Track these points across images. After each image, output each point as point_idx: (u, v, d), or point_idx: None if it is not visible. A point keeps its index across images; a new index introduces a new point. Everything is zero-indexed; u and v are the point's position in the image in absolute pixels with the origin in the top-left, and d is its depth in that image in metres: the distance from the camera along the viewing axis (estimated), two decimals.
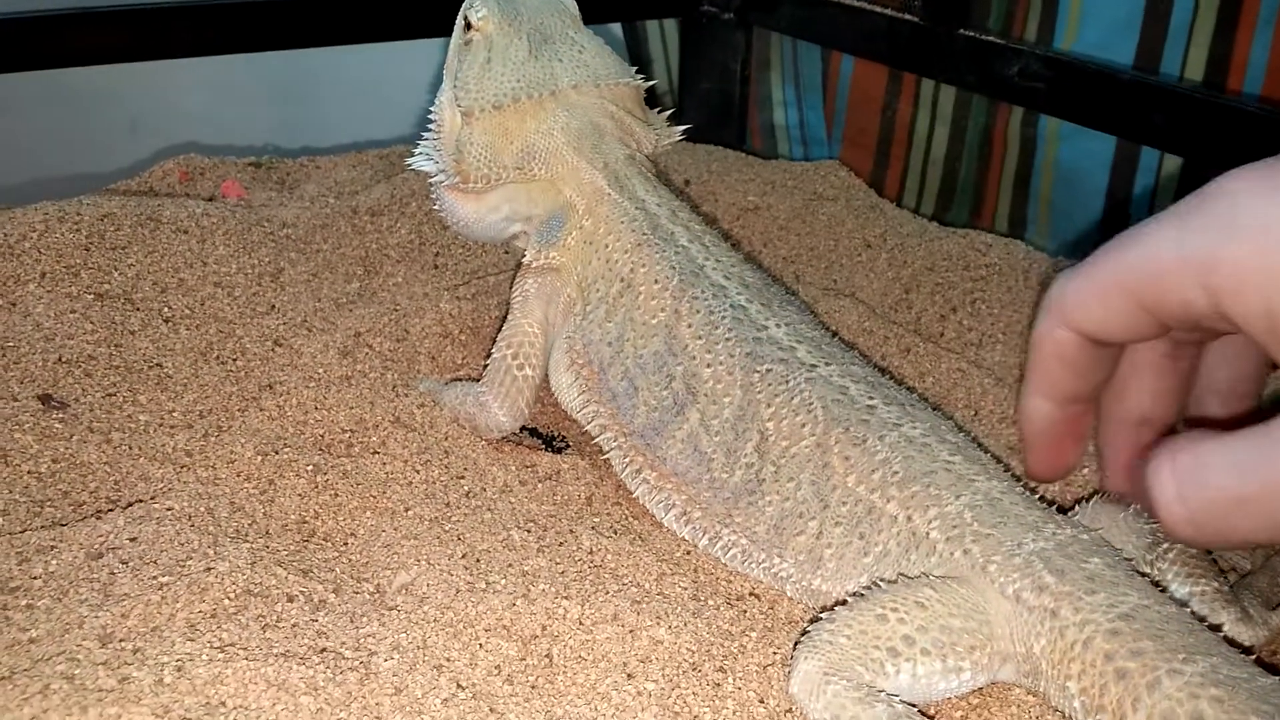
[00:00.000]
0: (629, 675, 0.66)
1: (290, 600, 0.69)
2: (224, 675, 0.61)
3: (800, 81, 1.54)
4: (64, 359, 0.89)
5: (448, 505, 0.79)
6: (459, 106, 0.92)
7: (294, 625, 0.67)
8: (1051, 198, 1.31)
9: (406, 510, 0.78)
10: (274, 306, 1.00)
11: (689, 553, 0.79)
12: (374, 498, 0.79)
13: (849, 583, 0.71)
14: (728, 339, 0.79)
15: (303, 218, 1.12)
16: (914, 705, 0.63)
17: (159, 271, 1.00)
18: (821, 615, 0.67)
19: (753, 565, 0.76)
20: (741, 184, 1.27)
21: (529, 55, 0.92)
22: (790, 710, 0.65)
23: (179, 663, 0.62)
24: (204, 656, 0.62)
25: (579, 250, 0.90)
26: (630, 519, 0.81)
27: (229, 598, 0.67)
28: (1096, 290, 0.66)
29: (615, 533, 0.79)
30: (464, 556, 0.74)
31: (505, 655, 0.66)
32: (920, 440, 0.72)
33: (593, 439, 0.86)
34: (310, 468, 0.80)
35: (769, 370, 0.77)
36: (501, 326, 0.91)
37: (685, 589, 0.74)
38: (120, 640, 0.63)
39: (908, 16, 1.26)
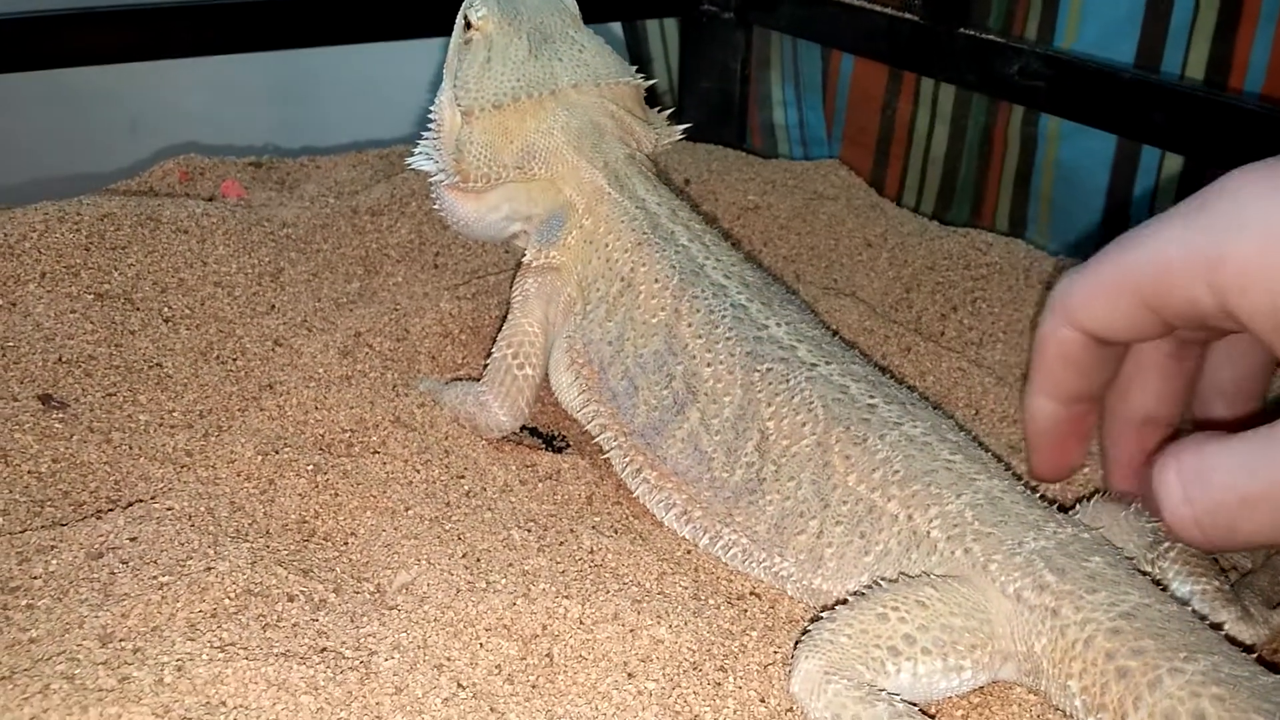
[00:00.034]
0: (630, 674, 0.66)
1: (290, 600, 0.68)
2: (224, 675, 0.61)
3: (800, 81, 1.54)
4: (64, 359, 0.89)
5: (448, 505, 0.79)
6: (459, 106, 0.92)
7: (294, 625, 0.67)
8: (1052, 196, 1.31)
9: (407, 510, 0.78)
10: (274, 306, 1.00)
11: (689, 552, 0.79)
12: (374, 497, 0.79)
13: (850, 582, 0.71)
14: (728, 338, 0.79)
15: (303, 217, 1.12)
16: (915, 704, 0.63)
17: (159, 271, 1.00)
18: (822, 614, 0.67)
19: (753, 564, 0.76)
20: (742, 183, 1.27)
21: (529, 54, 0.92)
22: (791, 709, 0.65)
23: (179, 662, 0.62)
24: (204, 656, 0.62)
25: (579, 249, 0.90)
26: (631, 518, 0.81)
27: (229, 597, 0.67)
28: (1101, 289, 0.66)
29: (616, 532, 0.79)
30: (464, 556, 0.74)
31: (506, 655, 0.66)
32: (921, 439, 0.72)
33: (593, 438, 0.86)
34: (310, 467, 0.80)
35: (769, 369, 0.77)
36: (501, 326, 0.91)
37: (686, 588, 0.74)
38: (120, 640, 0.63)
39: (908, 15, 1.26)
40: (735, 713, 0.64)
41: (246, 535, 0.74)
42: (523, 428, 0.91)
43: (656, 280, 0.84)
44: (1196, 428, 0.75)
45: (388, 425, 0.86)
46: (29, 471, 0.78)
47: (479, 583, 0.71)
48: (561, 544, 0.76)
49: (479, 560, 0.74)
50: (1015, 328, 1.05)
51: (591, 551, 0.76)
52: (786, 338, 0.79)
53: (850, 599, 0.67)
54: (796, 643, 0.66)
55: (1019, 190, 1.35)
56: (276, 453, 0.81)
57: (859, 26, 1.32)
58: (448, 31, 0.96)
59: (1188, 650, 0.59)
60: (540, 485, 0.83)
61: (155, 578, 0.68)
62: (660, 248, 0.85)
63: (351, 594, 0.71)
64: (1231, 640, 0.62)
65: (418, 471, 0.82)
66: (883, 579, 0.68)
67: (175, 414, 0.87)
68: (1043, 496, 0.72)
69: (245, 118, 1.53)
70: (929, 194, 1.44)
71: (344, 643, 0.66)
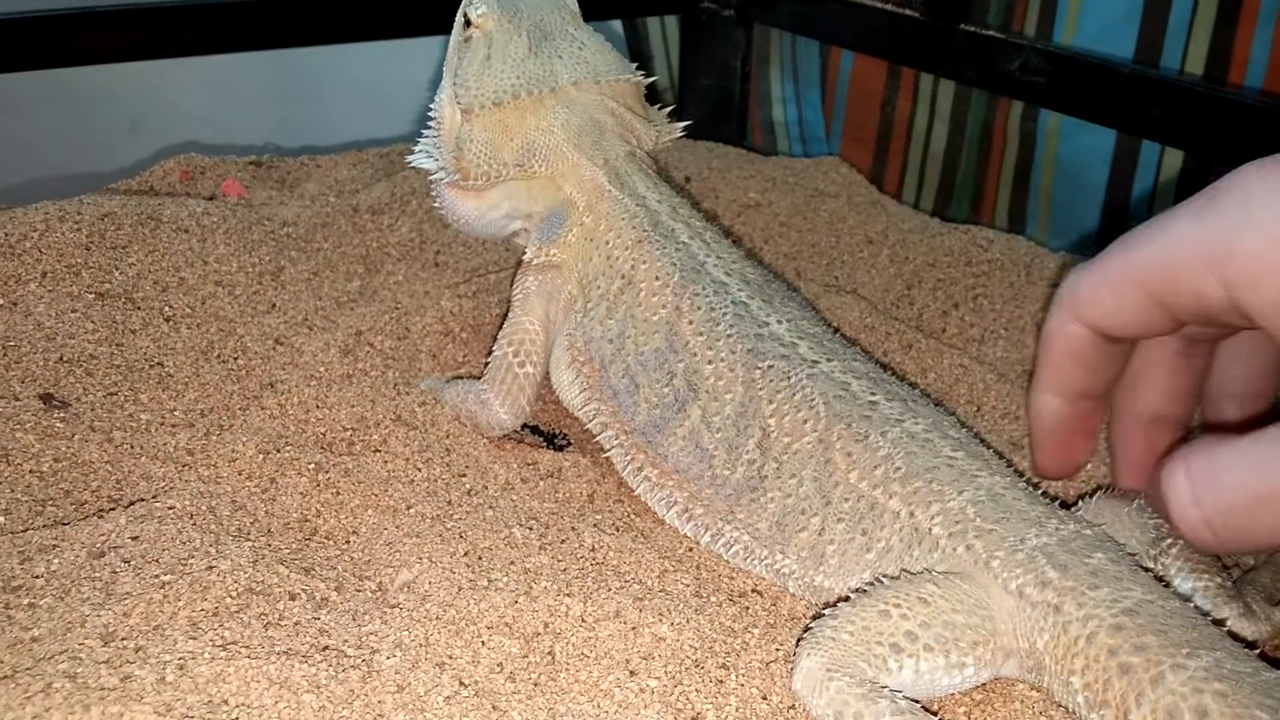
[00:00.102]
0: (631, 672, 0.66)
1: (292, 598, 0.68)
2: (226, 673, 0.61)
3: (800, 77, 1.53)
4: (65, 358, 0.89)
5: (449, 503, 0.79)
6: (459, 104, 0.92)
7: (296, 623, 0.67)
8: (1052, 192, 1.31)
9: (408, 508, 0.78)
10: (275, 305, 1.00)
11: (691, 550, 0.79)
12: (376, 496, 0.79)
13: (851, 579, 0.71)
14: (729, 335, 0.79)
15: (303, 216, 1.12)
16: (917, 701, 0.63)
17: (160, 270, 1.00)
18: (824, 611, 0.66)
19: (755, 562, 0.76)
20: (742, 180, 1.27)
21: (529, 52, 0.92)
22: (793, 706, 0.65)
23: (181, 661, 0.62)
24: (206, 655, 0.62)
25: (580, 247, 0.89)
26: (632, 516, 0.81)
27: (231, 596, 0.67)
28: (1109, 284, 0.66)
29: (617, 530, 0.79)
30: (466, 554, 0.74)
31: (508, 653, 0.66)
32: (923, 436, 0.72)
33: (594, 436, 0.86)
34: (312, 466, 0.80)
35: (771, 367, 0.77)
36: (502, 324, 0.91)
37: (687, 586, 0.74)
38: (122, 639, 0.63)
39: (907, 12, 1.26)
40: (737, 710, 0.64)
41: (248, 534, 0.74)
42: (524, 426, 0.91)
43: (657, 278, 0.84)
44: (1206, 431, 0.75)
45: (389, 424, 0.86)
46: (31, 471, 0.78)
47: (481, 581, 0.71)
48: (563, 542, 0.76)
49: (481, 558, 0.74)
50: (1016, 324, 1.05)
51: (593, 549, 0.76)
52: (788, 335, 0.79)
53: (852, 596, 0.67)
54: (798, 640, 0.66)
55: (1018, 186, 1.35)
56: (278, 451, 0.81)
57: (859, 23, 1.32)
58: (447, 30, 0.96)
59: (1190, 647, 0.59)
60: (541, 483, 0.83)
61: (157, 576, 0.68)
62: (661, 245, 0.85)
63: (353, 592, 0.71)
64: (1234, 636, 0.62)
65: (419, 470, 0.82)
66: (885, 576, 0.68)
67: (176, 413, 0.87)
68: (1045, 493, 0.72)
69: (245, 117, 1.53)
70: (928, 190, 1.44)
71: (346, 641, 0.66)
